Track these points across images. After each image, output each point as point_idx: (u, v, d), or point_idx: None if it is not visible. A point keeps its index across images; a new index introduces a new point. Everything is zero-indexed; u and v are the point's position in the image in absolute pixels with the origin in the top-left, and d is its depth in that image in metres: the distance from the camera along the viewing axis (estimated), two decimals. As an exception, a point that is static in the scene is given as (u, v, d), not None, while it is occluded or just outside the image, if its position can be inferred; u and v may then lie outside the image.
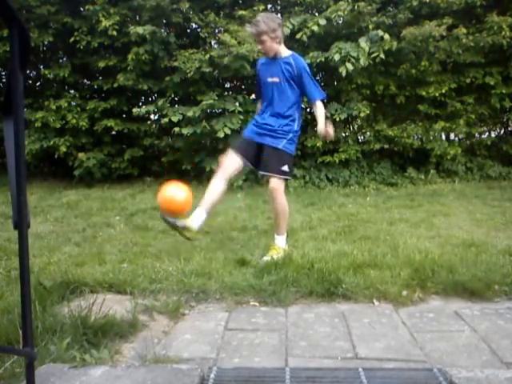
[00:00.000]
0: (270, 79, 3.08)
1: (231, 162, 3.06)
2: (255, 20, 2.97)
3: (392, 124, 6.69)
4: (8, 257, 2.99)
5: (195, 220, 2.92)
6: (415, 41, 5.89)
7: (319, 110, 3.08)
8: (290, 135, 3.06)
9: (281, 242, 3.11)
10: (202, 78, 6.38)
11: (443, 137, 7.17)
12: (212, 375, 1.56)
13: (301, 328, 2.02)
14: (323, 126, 3.06)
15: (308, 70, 3.08)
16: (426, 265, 2.58)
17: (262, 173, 3.15)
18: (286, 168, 3.01)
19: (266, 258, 2.89)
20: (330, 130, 3.10)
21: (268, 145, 3.03)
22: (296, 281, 2.44)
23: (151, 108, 6.45)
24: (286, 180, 3.08)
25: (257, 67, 3.26)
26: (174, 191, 2.92)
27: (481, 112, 6.68)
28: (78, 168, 6.58)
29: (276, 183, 2.99)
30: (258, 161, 3.10)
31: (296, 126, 3.11)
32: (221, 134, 5.94)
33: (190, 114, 6.03)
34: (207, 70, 6.15)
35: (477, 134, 7.24)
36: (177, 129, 6.15)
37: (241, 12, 6.22)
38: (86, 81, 7.36)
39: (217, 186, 3.02)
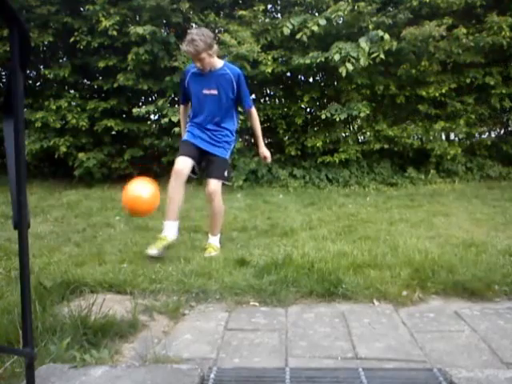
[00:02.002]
0: (206, 91, 3.10)
1: (184, 164, 3.07)
2: (190, 39, 2.91)
3: (392, 124, 6.70)
4: (8, 257, 2.99)
5: (171, 232, 3.03)
6: (415, 41, 5.90)
7: (256, 120, 3.27)
8: (232, 144, 3.29)
9: (216, 242, 3.23)
10: (201, 78, 6.37)
11: (443, 137, 7.17)
12: (212, 375, 1.56)
13: (301, 328, 2.02)
14: (263, 145, 3.32)
15: (243, 76, 3.15)
16: (426, 265, 2.58)
17: (207, 178, 3.18)
18: (226, 173, 3.22)
19: (207, 255, 3.00)
20: (268, 152, 3.32)
21: (213, 153, 3.16)
22: (296, 281, 2.44)
23: (151, 108, 6.44)
24: (223, 183, 3.23)
25: (185, 75, 3.21)
26: (139, 190, 2.78)
27: (481, 112, 6.68)
28: (78, 168, 6.58)
29: (216, 186, 3.14)
30: (200, 162, 3.22)
31: (234, 135, 3.29)
32: (221, 134, 5.94)
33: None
34: (207, 69, 6.15)
35: (477, 134, 7.25)
36: (177, 129, 6.15)
37: (241, 12, 6.22)
38: (86, 81, 7.36)
39: (177, 192, 3.04)
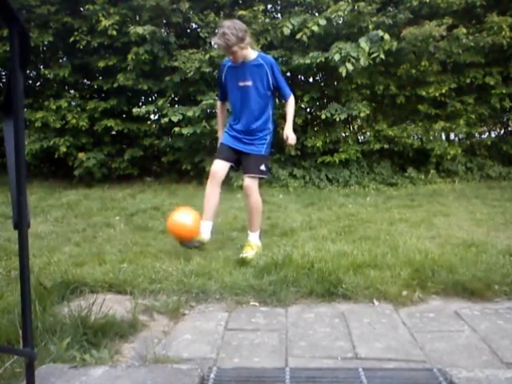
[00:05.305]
0: (241, 83, 3.08)
1: (220, 167, 3.16)
2: (222, 32, 2.88)
3: (392, 124, 6.70)
4: (8, 257, 2.99)
5: (205, 232, 3.12)
6: (415, 41, 5.90)
7: (291, 108, 3.16)
8: (268, 138, 3.19)
9: (255, 239, 3.21)
10: (201, 77, 6.38)
11: (443, 137, 7.17)
12: (212, 375, 1.56)
13: (301, 328, 2.02)
14: (291, 128, 3.12)
15: (277, 65, 3.13)
16: (426, 265, 2.58)
17: (244, 175, 3.22)
18: (262, 167, 3.17)
19: (244, 255, 2.96)
20: (293, 135, 3.13)
21: (247, 152, 3.16)
22: (296, 281, 2.44)
23: (151, 108, 6.45)
24: (260, 178, 3.21)
25: (221, 69, 3.19)
26: (183, 218, 3.06)
27: (481, 112, 6.68)
28: (78, 168, 6.58)
29: (250, 181, 3.13)
30: (239, 161, 3.22)
31: (271, 126, 3.22)
32: (221, 134, 5.94)
33: (190, 113, 6.03)
34: (207, 69, 6.15)
35: (477, 134, 7.25)
36: (177, 129, 6.16)
37: (241, 12, 6.22)
38: (86, 81, 7.37)
39: (212, 193, 3.15)
